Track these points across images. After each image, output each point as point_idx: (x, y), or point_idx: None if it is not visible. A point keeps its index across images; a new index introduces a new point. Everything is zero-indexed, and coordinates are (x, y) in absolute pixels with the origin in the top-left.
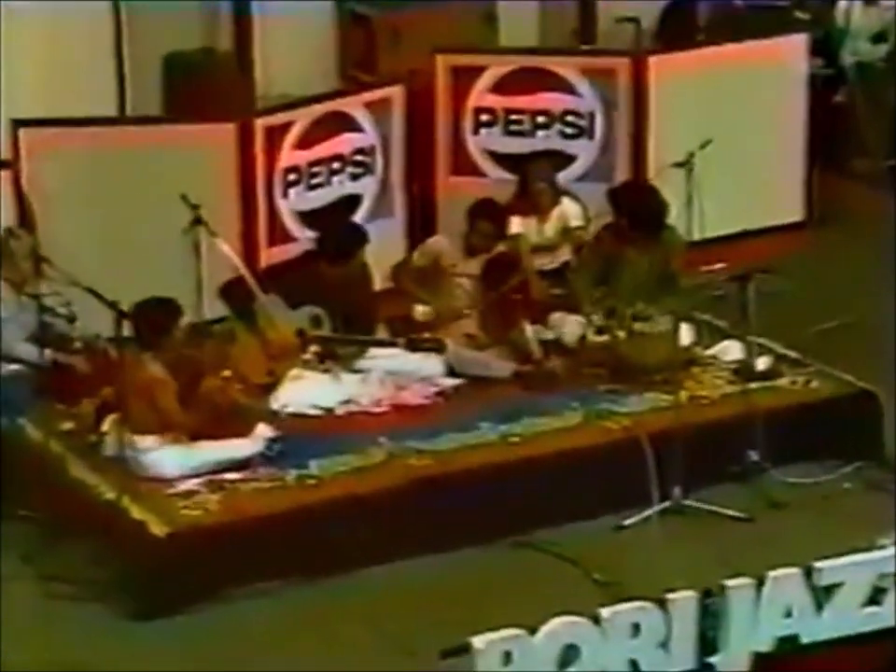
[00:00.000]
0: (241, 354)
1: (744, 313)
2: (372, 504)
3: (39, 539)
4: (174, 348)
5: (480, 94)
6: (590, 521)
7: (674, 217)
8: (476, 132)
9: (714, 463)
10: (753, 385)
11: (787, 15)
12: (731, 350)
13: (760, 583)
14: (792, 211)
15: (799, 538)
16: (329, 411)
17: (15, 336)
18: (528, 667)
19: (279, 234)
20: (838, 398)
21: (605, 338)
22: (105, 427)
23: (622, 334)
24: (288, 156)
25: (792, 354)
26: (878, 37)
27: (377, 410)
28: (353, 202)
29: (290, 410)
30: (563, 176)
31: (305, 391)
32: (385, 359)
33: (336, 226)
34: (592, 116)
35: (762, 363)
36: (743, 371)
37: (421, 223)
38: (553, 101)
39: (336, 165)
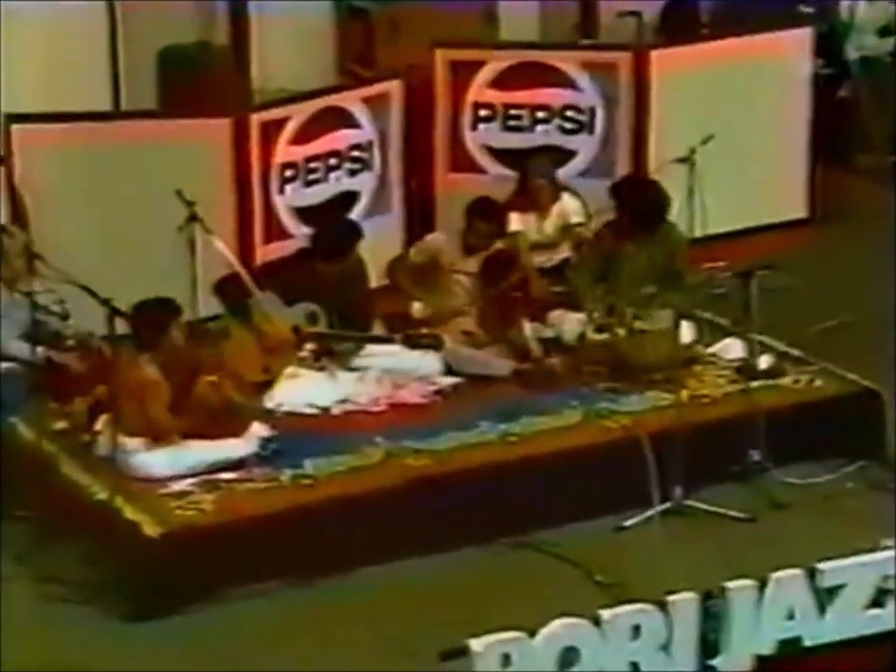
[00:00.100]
0: (236, 351)
1: (746, 310)
2: (369, 504)
3: (32, 540)
4: (172, 347)
5: (479, 89)
6: (590, 521)
7: (675, 213)
8: (475, 127)
9: (715, 463)
10: (755, 384)
11: (790, 9)
12: (733, 348)
13: (762, 585)
14: (796, 207)
15: (801, 538)
16: (326, 410)
17: (8, 334)
18: (528, 669)
19: (275, 231)
20: (841, 396)
21: (605, 336)
22: (98, 426)
23: (622, 332)
24: (285, 152)
25: (795, 352)
26: (884, 31)
27: (374, 409)
28: (350, 198)
29: (286, 409)
30: (563, 172)
31: (301, 390)
32: (383, 357)
33: (330, 223)
34: (592, 111)
35: (764, 361)
36: (745, 369)
37: (419, 220)
38: (552, 96)
39: (333, 161)
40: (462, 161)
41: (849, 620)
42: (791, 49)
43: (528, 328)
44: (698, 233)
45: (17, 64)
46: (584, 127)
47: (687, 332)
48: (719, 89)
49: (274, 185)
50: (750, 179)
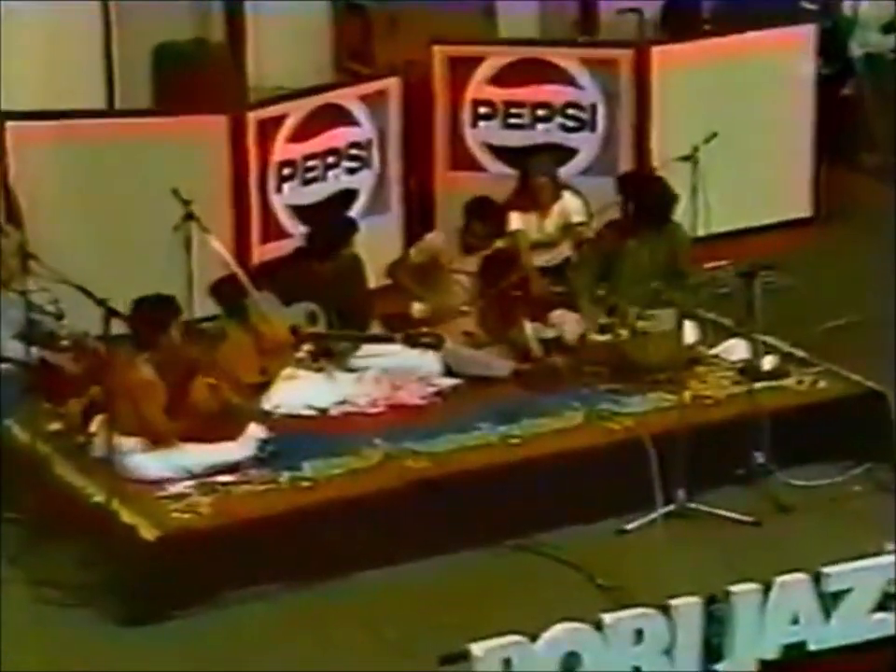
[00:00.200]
0: (233, 352)
1: (750, 310)
2: (368, 507)
3: (27, 543)
4: (170, 347)
5: (478, 86)
6: (592, 524)
7: (679, 212)
8: (475, 125)
9: (719, 465)
10: (759, 385)
11: (794, 5)
12: (736, 349)
13: (766, 589)
14: (799, 206)
15: (806, 542)
16: (324, 411)
17: (2, 334)
18: None
19: (273, 230)
20: (846, 398)
21: (607, 336)
22: (93, 427)
23: (624, 332)
24: (282, 150)
25: (799, 352)
26: (888, 27)
27: (373, 410)
28: (349, 197)
29: (283, 410)
30: (564, 171)
31: (299, 391)
32: (383, 357)
33: (324, 220)
34: (593, 108)
35: (768, 362)
36: (749, 370)
37: (418, 218)
38: (553, 93)
39: (331, 159)
40: (462, 159)
41: (855, 624)
42: (795, 45)
43: (529, 328)
44: (701, 232)
45: (11, 62)
46: (585, 125)
47: (690, 333)
48: (721, 86)
49: (272, 183)
50: (753, 178)
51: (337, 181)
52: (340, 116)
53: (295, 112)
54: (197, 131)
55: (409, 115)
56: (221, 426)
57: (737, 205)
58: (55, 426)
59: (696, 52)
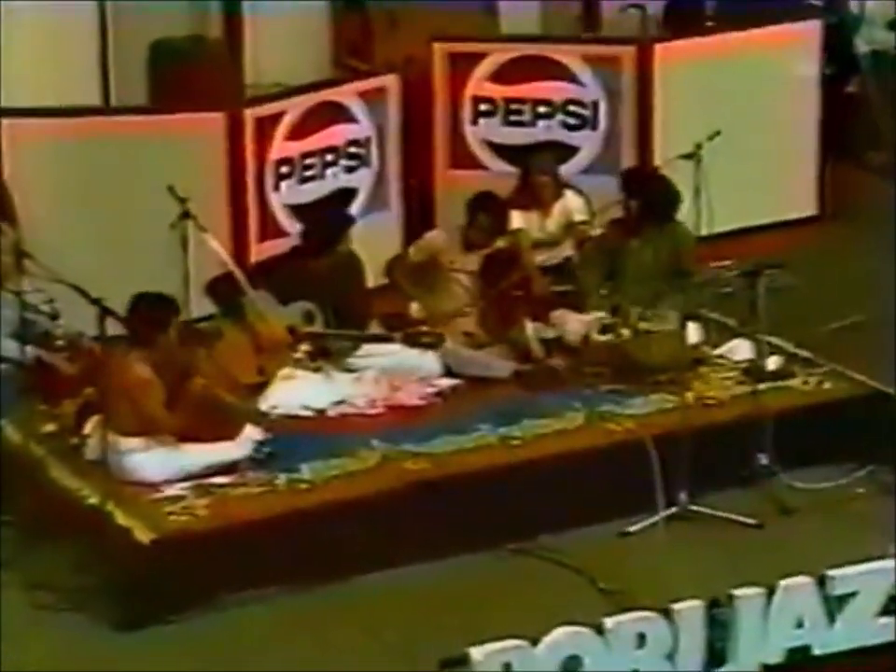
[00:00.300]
0: (229, 352)
1: (754, 310)
2: (366, 509)
3: (21, 545)
4: (167, 346)
5: (479, 83)
6: (593, 526)
7: (683, 211)
8: (475, 122)
9: (722, 467)
10: (763, 386)
11: (799, 1)
12: (740, 349)
13: (770, 592)
14: (805, 205)
15: (810, 544)
16: (321, 412)
17: None
18: None
19: (271, 229)
20: (851, 398)
21: (609, 337)
22: (88, 429)
23: (627, 333)
24: (280, 147)
25: (804, 353)
26: (894, 24)
27: (371, 411)
28: (347, 195)
29: (280, 411)
30: (565, 169)
31: (296, 391)
32: (382, 357)
33: (318, 216)
34: (595, 106)
35: (772, 363)
36: (753, 370)
37: (418, 217)
38: (554, 90)
39: (330, 157)
40: (462, 157)
41: (860, 628)
42: (801, 42)
43: (530, 328)
44: (704, 231)
45: (6, 59)
46: (587, 122)
47: (693, 333)
48: (724, 83)
49: (270, 181)
50: (757, 176)
51: (335, 179)
52: (338, 113)
53: (293, 109)
54: (194, 128)
55: (408, 112)
56: (218, 426)
57: (741, 204)
58: (49, 427)
59: (699, 49)
